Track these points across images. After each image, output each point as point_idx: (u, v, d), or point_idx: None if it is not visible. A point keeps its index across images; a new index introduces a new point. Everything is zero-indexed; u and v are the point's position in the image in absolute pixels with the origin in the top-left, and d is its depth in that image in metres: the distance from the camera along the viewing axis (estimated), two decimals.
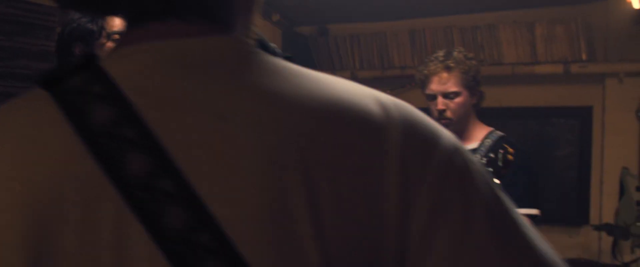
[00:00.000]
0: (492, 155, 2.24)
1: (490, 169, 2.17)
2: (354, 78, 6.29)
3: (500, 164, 2.13)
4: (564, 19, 5.48)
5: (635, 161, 5.27)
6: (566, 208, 5.90)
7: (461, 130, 2.49)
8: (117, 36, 1.99)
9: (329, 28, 6.83)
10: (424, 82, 2.54)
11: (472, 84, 2.51)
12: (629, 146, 5.32)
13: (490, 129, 2.62)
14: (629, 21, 5.32)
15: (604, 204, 5.51)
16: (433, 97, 2.50)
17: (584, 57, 5.38)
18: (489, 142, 2.53)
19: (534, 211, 2.36)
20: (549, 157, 6.00)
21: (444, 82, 2.45)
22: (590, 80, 5.57)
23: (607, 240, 5.31)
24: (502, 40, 5.82)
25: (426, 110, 2.49)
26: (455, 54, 2.51)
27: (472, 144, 2.51)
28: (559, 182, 5.94)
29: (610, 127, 5.51)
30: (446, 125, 2.44)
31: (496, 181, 2.12)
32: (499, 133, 2.58)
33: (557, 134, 5.99)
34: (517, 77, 5.78)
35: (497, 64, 5.82)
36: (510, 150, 2.23)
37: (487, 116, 5.90)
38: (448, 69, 2.45)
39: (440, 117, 2.48)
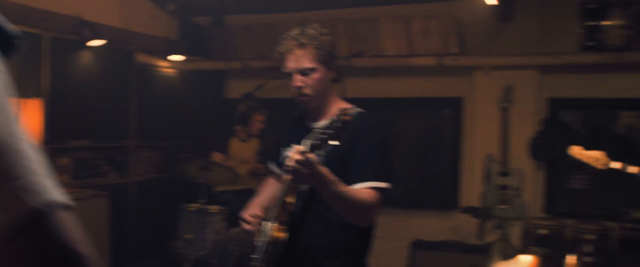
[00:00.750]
0: (333, 117, 2.27)
1: (331, 131, 2.21)
2: (247, 68, 6.49)
3: (338, 125, 2.18)
4: (438, 15, 5.85)
5: (497, 147, 5.68)
6: (439, 193, 6.28)
7: (321, 106, 2.50)
8: None
9: (225, 19, 6.99)
10: (281, 62, 2.48)
11: (328, 59, 2.44)
12: (493, 134, 5.71)
13: (350, 105, 2.52)
14: (493, 17, 5.76)
15: (472, 188, 5.89)
16: (290, 75, 2.46)
17: (455, 50, 5.73)
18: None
19: (383, 184, 2.36)
20: (423, 145, 6.36)
21: (298, 59, 2.41)
22: (461, 73, 5.96)
23: (475, 222, 5.70)
24: (382, 33, 6.12)
25: None
26: (308, 30, 2.44)
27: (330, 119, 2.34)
28: (433, 169, 6.31)
29: (478, 117, 5.91)
30: (305, 102, 2.49)
31: (335, 142, 2.17)
32: (358, 109, 2.50)
33: (431, 123, 6.37)
34: (396, 68, 6.08)
35: (379, 56, 6.09)
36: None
37: (368, 107, 6.20)
38: (301, 45, 2.41)
39: (298, 94, 2.46)
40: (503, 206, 5.60)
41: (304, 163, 2.11)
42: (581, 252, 5.09)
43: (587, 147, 4.27)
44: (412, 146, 6.38)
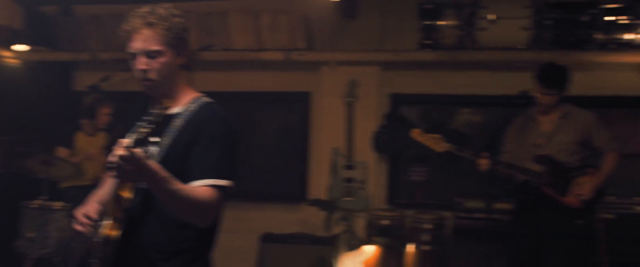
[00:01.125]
0: (154, 111, 2.12)
1: (152, 126, 2.07)
2: (95, 59, 6.17)
3: (159, 120, 2.04)
4: (285, 10, 5.89)
5: (343, 141, 5.84)
6: (288, 187, 6.35)
7: (166, 92, 2.27)
8: None
9: (72, 8, 6.60)
10: (126, 41, 2.26)
11: (177, 42, 2.25)
12: (339, 129, 5.86)
13: (198, 94, 2.36)
14: (339, 14, 5.91)
15: (320, 182, 6.01)
16: (134, 56, 2.25)
17: (302, 46, 5.81)
18: (194, 106, 2.30)
19: (223, 182, 2.17)
20: (273, 139, 6.40)
21: (145, 39, 2.20)
22: (308, 68, 6.04)
23: (322, 215, 5.80)
24: (232, 27, 6.07)
25: None
26: (159, 9, 2.24)
27: (175, 108, 2.28)
28: (283, 163, 6.37)
29: (324, 112, 6.03)
30: (149, 88, 2.24)
31: (155, 139, 2.05)
32: (206, 99, 2.35)
33: (281, 118, 6.41)
34: (246, 63, 6.05)
35: (228, 50, 6.03)
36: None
37: (218, 100, 6.14)
38: (149, 25, 2.20)
39: (142, 78, 2.25)
40: (348, 198, 5.76)
41: (128, 159, 1.90)
42: (419, 242, 5.37)
43: None
44: (262, 139, 6.39)
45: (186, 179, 2.13)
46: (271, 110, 6.40)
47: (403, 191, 6.06)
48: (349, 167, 5.80)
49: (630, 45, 5.16)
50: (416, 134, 4.36)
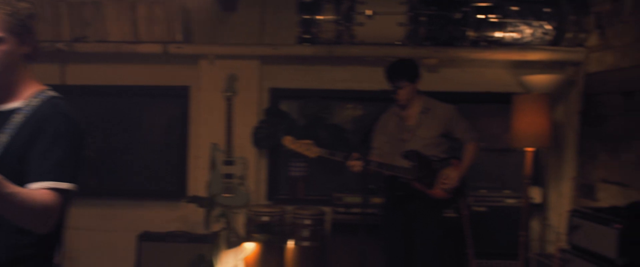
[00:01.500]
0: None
1: None
2: None
3: None
4: (163, 1, 5.69)
5: (222, 136, 5.73)
6: (167, 183, 6.17)
7: (6, 84, 2.11)
8: None
9: None
10: None
11: (21, 30, 2.08)
12: (218, 123, 5.75)
13: (42, 87, 2.19)
14: (218, 6, 5.79)
15: (199, 178, 5.87)
16: None
17: (180, 38, 5.65)
18: (36, 101, 2.13)
19: (65, 185, 2.01)
20: (149, 135, 6.20)
21: None
22: (186, 61, 5.88)
23: (201, 212, 5.67)
24: (107, 18, 5.81)
25: None
26: None
27: (16, 103, 2.12)
28: (161, 159, 6.19)
29: (203, 106, 5.89)
30: None
31: None
32: (51, 93, 2.18)
33: (159, 112, 6.21)
34: (122, 55, 5.82)
35: (103, 41, 5.77)
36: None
37: (93, 94, 5.94)
38: None
39: None
40: (228, 195, 5.68)
41: None
42: (299, 238, 5.36)
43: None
44: (139, 135, 6.17)
45: (25, 182, 1.97)
46: (149, 105, 6.19)
47: (283, 186, 6.02)
48: (228, 163, 5.71)
49: (500, 43, 5.29)
50: (288, 141, 4.35)
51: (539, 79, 5.32)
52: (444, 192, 4.32)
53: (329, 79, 5.82)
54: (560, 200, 5.55)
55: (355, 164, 4.27)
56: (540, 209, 5.57)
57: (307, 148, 4.34)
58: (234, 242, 5.58)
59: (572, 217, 4.13)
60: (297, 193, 5.89)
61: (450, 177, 4.33)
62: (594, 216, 3.92)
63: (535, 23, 5.22)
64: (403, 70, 4.41)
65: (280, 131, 5.50)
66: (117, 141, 6.15)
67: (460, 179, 4.36)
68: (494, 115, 5.82)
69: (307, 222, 5.36)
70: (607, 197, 4.75)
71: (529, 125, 4.93)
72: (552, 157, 5.65)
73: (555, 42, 5.25)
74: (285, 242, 5.40)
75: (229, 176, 5.69)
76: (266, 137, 5.69)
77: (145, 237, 5.65)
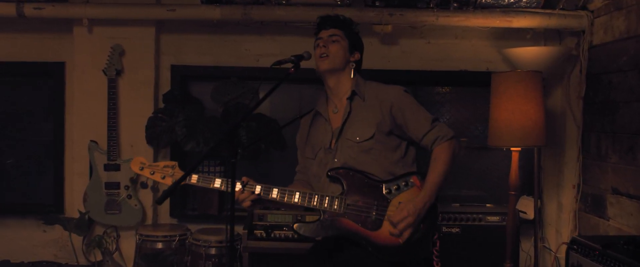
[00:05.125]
0: None
1: None
2: None
3: None
4: None
5: (104, 132, 4.60)
6: (37, 195, 5.10)
7: None
8: None
9: None
10: None
11: None
12: (99, 114, 4.68)
13: None
14: None
15: (76, 188, 4.83)
16: None
17: None
18: None
19: None
20: (9, 130, 5.12)
21: None
22: (56, 28, 4.82)
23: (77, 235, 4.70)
24: None
25: None
26: None
27: None
28: (29, 164, 5.12)
29: (78, 90, 4.84)
30: None
31: None
32: None
33: (21, 99, 5.07)
34: None
35: None
36: None
37: None
38: None
39: None
40: (111, 212, 4.70)
41: None
42: None
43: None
44: None
45: None
46: (8, 87, 5.10)
47: (193, 198, 5.00)
48: (112, 167, 4.60)
49: (477, 5, 4.56)
50: (136, 165, 3.08)
51: (528, 53, 4.58)
52: (395, 238, 2.90)
53: (251, 53, 4.90)
54: (559, 214, 4.91)
55: (242, 198, 3.04)
56: (532, 226, 4.66)
57: (162, 174, 3.10)
58: None
59: (570, 252, 3.37)
60: (211, 208, 4.78)
61: (402, 211, 2.87)
62: (603, 254, 3.06)
63: None
64: (337, 19, 3.19)
65: (185, 124, 4.40)
66: None
67: (424, 209, 2.98)
68: (469, 102, 5.19)
69: (213, 251, 4.25)
70: (621, 214, 4.04)
71: (514, 115, 4.05)
72: (548, 158, 4.99)
73: (549, 3, 4.64)
74: None
75: (112, 185, 4.57)
76: (165, 131, 4.58)
77: None
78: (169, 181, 2.98)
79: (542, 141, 4.13)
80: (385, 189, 2.93)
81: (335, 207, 2.91)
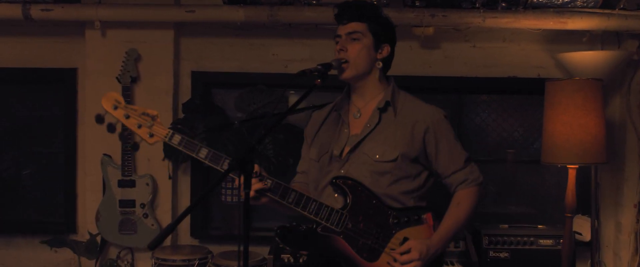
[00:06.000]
0: None
1: None
2: None
3: None
4: None
5: (117, 145, 4.34)
6: (48, 213, 4.88)
7: None
8: None
9: None
10: None
11: None
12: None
13: None
14: None
15: (89, 206, 4.58)
16: None
17: None
18: None
19: None
20: (21, 141, 4.90)
21: None
22: (67, 31, 4.60)
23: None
24: None
25: None
26: None
27: None
28: (38, 178, 4.90)
29: (90, 98, 4.61)
30: None
31: None
32: None
33: (31, 107, 4.89)
34: None
35: None
36: None
37: None
38: None
39: None
40: (126, 232, 4.44)
41: None
42: None
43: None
44: (5, 141, 4.91)
45: None
46: (15, 95, 4.90)
47: (215, 217, 4.79)
48: (126, 183, 4.37)
49: (528, 5, 4.30)
50: (108, 102, 2.60)
51: (586, 58, 4.34)
52: None
53: (279, 59, 4.66)
54: (618, 235, 4.68)
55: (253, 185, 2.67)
56: (589, 249, 4.44)
57: (145, 122, 2.68)
58: None
59: None
60: (234, 227, 4.52)
61: (412, 252, 2.56)
62: None
63: None
64: (355, 8, 2.80)
65: (205, 136, 4.15)
66: None
67: (433, 257, 2.62)
68: (518, 110, 4.94)
69: None
70: None
71: (571, 129, 3.75)
72: (606, 173, 4.73)
73: (607, 3, 4.40)
74: None
75: (127, 203, 4.31)
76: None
77: None
78: (144, 132, 2.57)
79: (602, 158, 3.82)
80: (393, 218, 2.58)
81: (334, 222, 2.55)
